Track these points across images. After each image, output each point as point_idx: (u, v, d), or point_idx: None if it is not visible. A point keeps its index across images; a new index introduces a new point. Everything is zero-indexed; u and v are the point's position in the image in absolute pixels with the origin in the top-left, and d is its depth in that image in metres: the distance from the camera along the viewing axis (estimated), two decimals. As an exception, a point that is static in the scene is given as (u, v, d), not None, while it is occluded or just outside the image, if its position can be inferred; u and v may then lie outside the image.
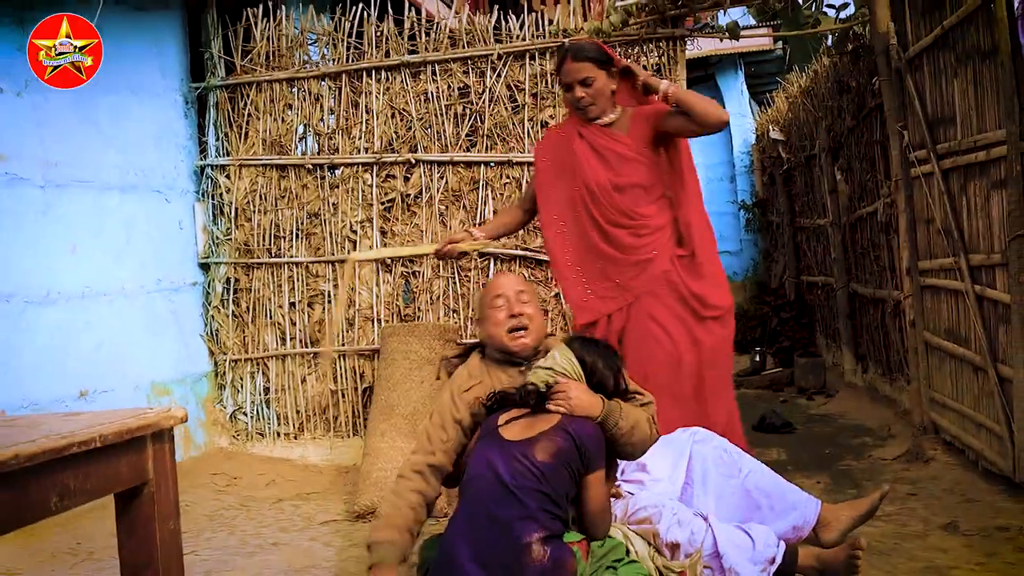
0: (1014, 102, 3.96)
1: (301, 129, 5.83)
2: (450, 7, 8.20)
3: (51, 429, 1.26)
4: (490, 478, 2.93)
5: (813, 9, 6.68)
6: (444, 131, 5.59)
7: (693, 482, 3.49)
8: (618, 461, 3.36)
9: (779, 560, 3.17)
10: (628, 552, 3.12)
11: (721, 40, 5.71)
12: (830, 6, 6.33)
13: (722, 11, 5.68)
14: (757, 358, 8.91)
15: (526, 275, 5.40)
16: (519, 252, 5.41)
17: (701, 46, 7.99)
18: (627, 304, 3.81)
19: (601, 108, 3.84)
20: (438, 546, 3.01)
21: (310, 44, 5.85)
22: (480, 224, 4.73)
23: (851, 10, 6.46)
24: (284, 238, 5.76)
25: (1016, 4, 3.89)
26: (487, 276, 5.44)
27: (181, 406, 1.44)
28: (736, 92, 12.05)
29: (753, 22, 9.38)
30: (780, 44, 11.20)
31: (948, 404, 5.04)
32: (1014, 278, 4.08)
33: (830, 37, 6.73)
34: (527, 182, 5.41)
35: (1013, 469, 4.15)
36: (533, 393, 3.01)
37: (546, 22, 5.54)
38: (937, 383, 5.24)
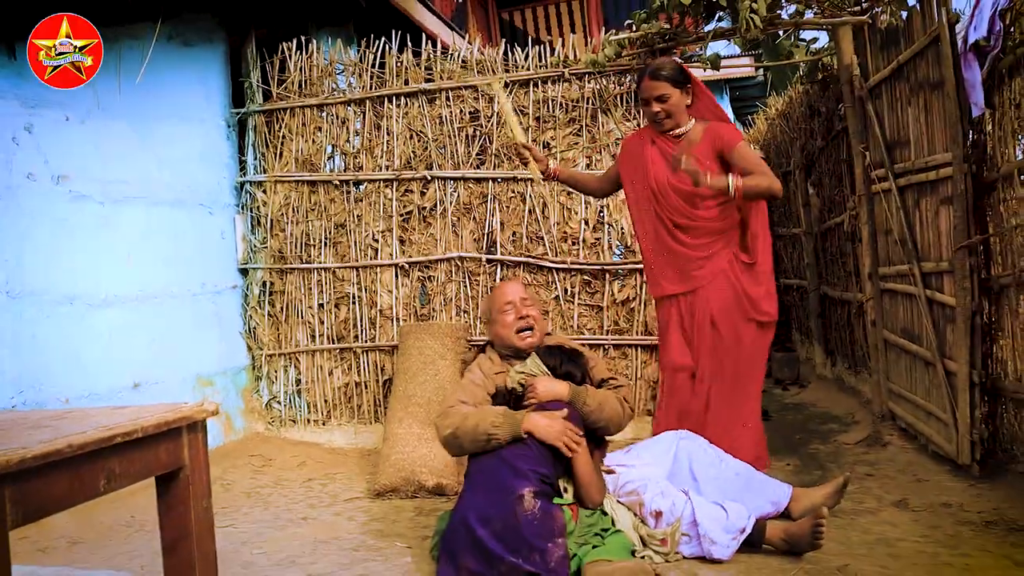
0: (958, 128, 4.00)
1: (329, 149, 5.89)
2: (464, 38, 8.27)
3: (99, 422, 1.33)
4: (491, 458, 3.11)
5: (791, 40, 6.73)
6: (456, 150, 5.63)
7: (679, 470, 3.58)
8: (608, 445, 3.56)
9: (748, 530, 3.25)
10: (614, 523, 3.21)
11: (704, 70, 5.74)
12: (801, 40, 6.37)
13: (703, 45, 5.71)
14: (739, 352, 8.89)
15: (528, 279, 5.45)
16: (523, 259, 5.46)
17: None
18: (690, 290, 3.93)
19: (675, 122, 3.91)
20: (450, 515, 3.14)
21: (338, 74, 5.90)
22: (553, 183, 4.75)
23: (822, 43, 6.50)
24: (314, 246, 5.83)
25: (960, 43, 3.94)
26: (494, 280, 5.49)
27: (213, 400, 1.52)
28: (722, 114, 12.05)
29: (738, 51, 9.42)
30: (761, 71, 11.19)
31: (904, 395, 5.07)
32: (958, 283, 4.12)
33: (803, 67, 6.74)
34: (531, 196, 5.46)
35: (956, 452, 4.20)
36: (512, 393, 3.36)
37: (548, 52, 5.57)
38: (894, 376, 5.27)
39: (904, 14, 4.83)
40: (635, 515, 3.34)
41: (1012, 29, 3.74)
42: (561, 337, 4.11)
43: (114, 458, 1.29)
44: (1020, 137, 3.76)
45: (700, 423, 3.88)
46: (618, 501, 3.36)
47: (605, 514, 3.25)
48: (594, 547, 3.10)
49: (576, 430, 3.21)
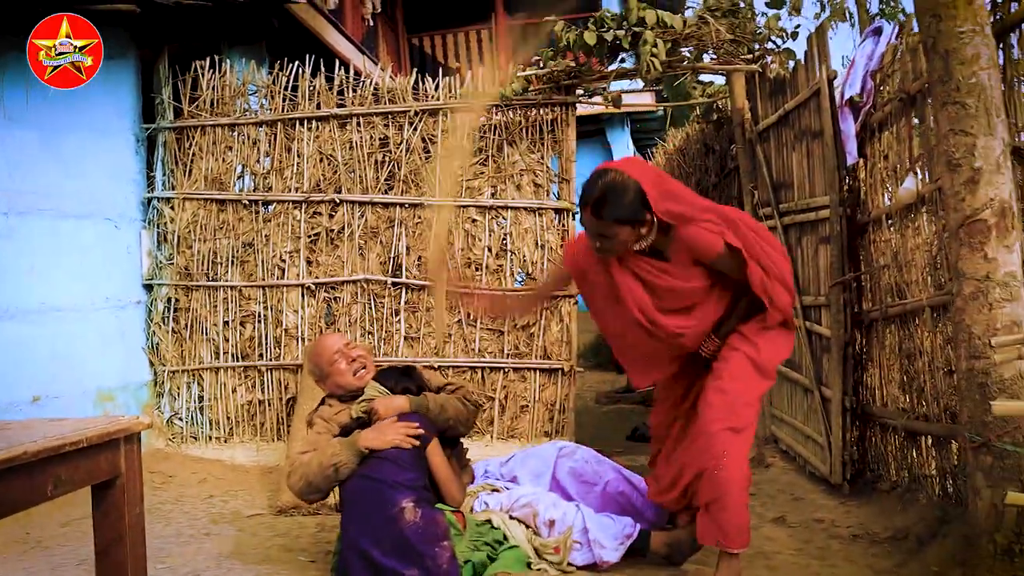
0: (835, 175, 4.36)
1: (239, 169, 5.94)
2: (376, 63, 8.40)
3: (45, 432, 1.44)
4: (362, 480, 3.31)
5: (689, 80, 7.07)
6: (366, 175, 5.76)
7: (556, 487, 3.81)
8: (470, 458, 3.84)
9: (634, 536, 3.49)
10: (507, 538, 3.41)
11: (606, 108, 6.02)
12: (699, 81, 6.72)
13: (607, 84, 6.00)
14: (633, 377, 9.15)
15: (432, 303, 5.59)
16: (427, 283, 5.59)
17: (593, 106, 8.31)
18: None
19: (626, 248, 3.18)
20: (339, 542, 3.33)
21: (250, 94, 5.97)
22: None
23: (720, 83, 6.86)
24: (220, 264, 5.86)
25: (837, 97, 4.30)
26: (399, 303, 5.63)
27: (145, 415, 1.61)
28: (623, 146, 12.42)
29: (641, 85, 9.78)
30: (662, 107, 11.64)
31: (785, 419, 5.41)
32: (833, 317, 4.47)
33: (699, 107, 7.10)
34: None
35: (830, 472, 4.53)
36: (358, 421, 3.55)
37: (457, 83, 5.76)
38: (777, 401, 5.62)
39: (791, 64, 5.20)
40: (527, 527, 3.53)
41: (882, 87, 4.11)
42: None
43: (62, 465, 1.40)
44: (888, 185, 4.12)
45: None
46: (511, 516, 3.55)
47: (495, 527, 3.44)
48: (490, 558, 3.29)
49: (410, 424, 3.43)
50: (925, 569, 3.35)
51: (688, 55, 5.47)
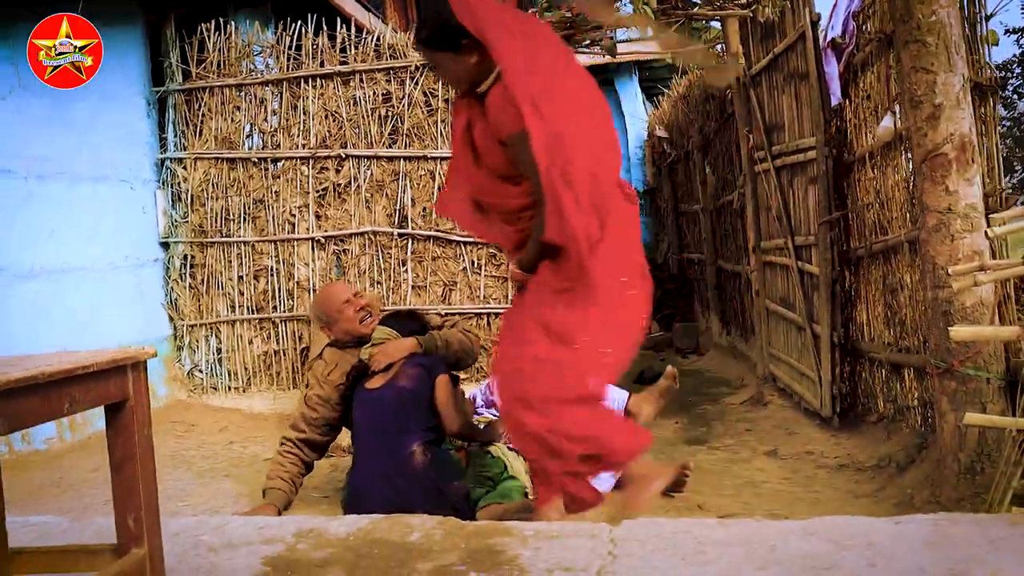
0: (820, 116, 4.48)
1: (248, 128, 6.15)
2: (379, 19, 8.51)
3: (61, 360, 1.66)
4: (368, 419, 3.55)
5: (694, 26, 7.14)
6: (370, 131, 5.94)
7: None
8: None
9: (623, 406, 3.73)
10: (506, 468, 3.61)
11: (603, 57, 6.14)
12: (695, 29, 6.81)
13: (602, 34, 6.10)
14: (644, 323, 9.34)
15: (438, 252, 5.80)
16: (432, 233, 5.80)
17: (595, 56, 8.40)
18: None
19: (460, 86, 2.79)
20: (349, 478, 3.56)
21: (256, 55, 6.16)
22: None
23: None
24: (233, 221, 6.09)
25: (821, 39, 4.41)
26: (406, 253, 5.84)
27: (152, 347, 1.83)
28: (631, 94, 12.46)
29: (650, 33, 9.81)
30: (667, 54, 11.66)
31: (781, 357, 5.58)
32: (821, 255, 4.62)
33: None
34: (440, 174, 5.81)
35: (820, 406, 4.71)
36: (366, 365, 3.74)
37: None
38: (775, 341, 5.78)
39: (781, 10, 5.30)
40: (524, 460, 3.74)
41: (864, 28, 4.22)
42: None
43: (76, 386, 1.61)
44: (871, 125, 4.24)
45: None
46: (508, 448, 3.76)
47: (495, 458, 3.65)
48: (487, 492, 3.50)
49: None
50: (901, 492, 3.55)
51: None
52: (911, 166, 3.87)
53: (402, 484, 3.33)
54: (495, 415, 3.98)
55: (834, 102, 4.45)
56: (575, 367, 2.64)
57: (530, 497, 3.60)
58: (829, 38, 4.37)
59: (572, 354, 2.63)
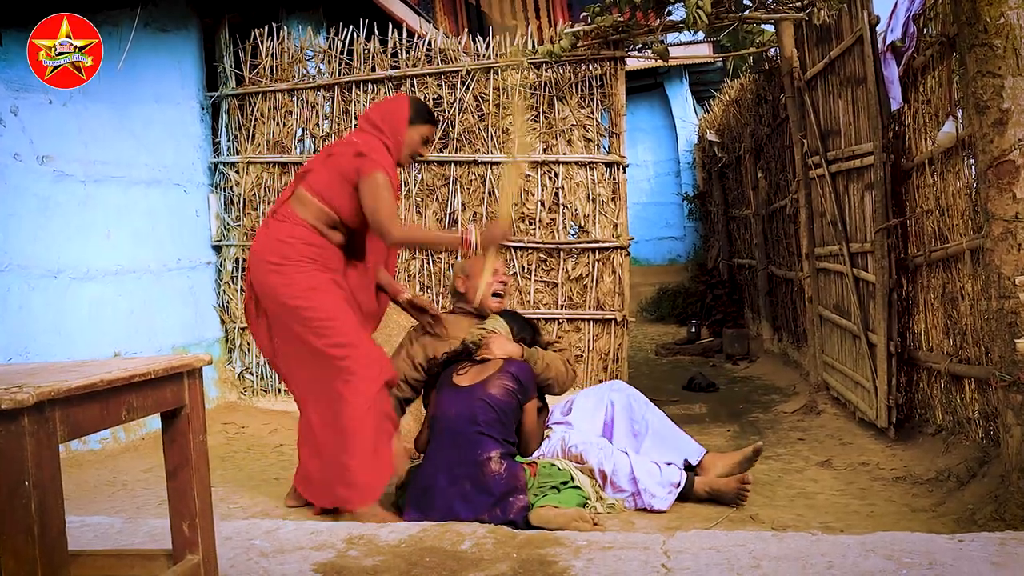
0: (878, 121, 4.39)
1: (300, 132, 6.19)
2: (430, 23, 8.54)
3: (119, 367, 1.67)
4: (453, 416, 3.53)
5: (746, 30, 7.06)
6: (421, 135, 5.93)
7: (611, 423, 3.97)
8: (549, 408, 3.95)
9: (683, 484, 3.64)
10: (572, 478, 3.59)
11: (655, 62, 6.09)
12: (748, 33, 6.71)
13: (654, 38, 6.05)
14: (693, 329, 9.29)
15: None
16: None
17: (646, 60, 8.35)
18: None
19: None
20: (418, 469, 3.54)
21: (308, 60, 6.20)
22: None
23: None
24: (285, 225, 6.11)
25: (880, 42, 4.32)
26: (456, 258, 5.83)
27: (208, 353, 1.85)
28: (681, 98, 12.38)
29: (702, 36, 9.74)
30: (718, 58, 11.57)
31: (835, 366, 5.49)
32: (878, 263, 4.53)
33: (751, 57, 7.11)
34: (491, 178, 5.80)
35: (876, 417, 4.61)
36: (469, 346, 3.72)
37: (508, 41, 5.88)
38: (828, 349, 5.69)
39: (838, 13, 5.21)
40: (592, 478, 3.70)
41: (925, 31, 4.13)
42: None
43: (133, 393, 1.62)
44: (931, 130, 4.15)
45: None
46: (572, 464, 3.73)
47: (561, 469, 3.62)
48: (545, 496, 3.48)
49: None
50: (962, 507, 3.45)
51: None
52: (974, 173, 3.78)
53: (471, 490, 3.32)
54: (567, 431, 3.93)
55: (894, 107, 4.35)
56: None
57: (589, 507, 3.57)
58: (888, 41, 4.28)
59: None
